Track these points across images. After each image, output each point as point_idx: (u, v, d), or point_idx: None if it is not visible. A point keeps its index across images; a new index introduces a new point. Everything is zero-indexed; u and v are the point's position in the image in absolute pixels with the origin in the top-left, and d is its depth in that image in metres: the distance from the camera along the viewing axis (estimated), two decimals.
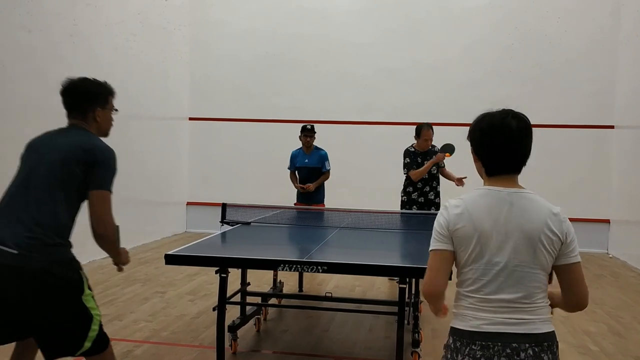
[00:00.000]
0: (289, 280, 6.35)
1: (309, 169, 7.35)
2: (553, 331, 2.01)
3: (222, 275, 3.93)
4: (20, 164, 2.79)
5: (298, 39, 10.27)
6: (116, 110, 2.97)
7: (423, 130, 6.98)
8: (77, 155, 2.65)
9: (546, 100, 9.65)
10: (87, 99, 2.81)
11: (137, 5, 8.74)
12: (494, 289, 1.98)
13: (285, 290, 6.01)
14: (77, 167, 2.64)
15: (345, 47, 10.18)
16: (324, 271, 3.58)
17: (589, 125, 9.61)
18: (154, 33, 9.26)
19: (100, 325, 2.74)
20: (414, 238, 5.02)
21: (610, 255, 9.17)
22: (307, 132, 7.41)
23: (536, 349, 1.93)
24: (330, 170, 7.41)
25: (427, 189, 6.97)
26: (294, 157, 7.54)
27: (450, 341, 2.06)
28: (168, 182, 9.97)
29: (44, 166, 2.66)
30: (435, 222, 2.11)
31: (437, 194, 7.04)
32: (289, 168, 7.56)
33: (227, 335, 4.21)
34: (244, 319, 4.62)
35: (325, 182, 7.45)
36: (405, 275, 3.72)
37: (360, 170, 9.03)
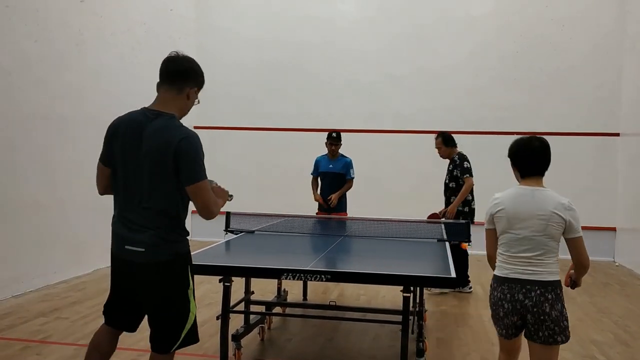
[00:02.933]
0: (293, 289, 6.33)
1: (333, 174, 7.29)
2: (557, 280, 2.97)
3: (226, 284, 3.93)
4: (115, 150, 2.85)
5: (303, 47, 10.30)
6: (199, 101, 3.09)
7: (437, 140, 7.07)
8: (167, 157, 2.73)
9: (551, 107, 9.64)
10: (188, 75, 2.91)
11: (143, 14, 8.79)
12: (516, 251, 3.01)
13: (289, 299, 5.99)
14: (171, 164, 2.75)
15: (350, 54, 10.20)
16: (327, 280, 3.57)
17: (594, 133, 9.58)
18: (159, 42, 9.30)
19: (195, 321, 2.95)
20: (419, 247, 5.00)
21: (617, 264, 9.11)
22: (333, 140, 7.32)
23: (542, 290, 2.93)
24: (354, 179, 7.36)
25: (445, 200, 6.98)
26: (318, 163, 7.45)
27: (492, 283, 3.12)
28: None
29: (148, 165, 2.76)
30: (487, 210, 3.17)
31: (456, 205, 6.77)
32: (312, 174, 7.47)
33: (231, 344, 4.20)
34: (248, 327, 4.60)
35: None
36: (409, 284, 3.71)
37: (366, 177, 9.00)
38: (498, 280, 3.06)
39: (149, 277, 2.83)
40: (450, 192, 6.87)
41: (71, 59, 7.12)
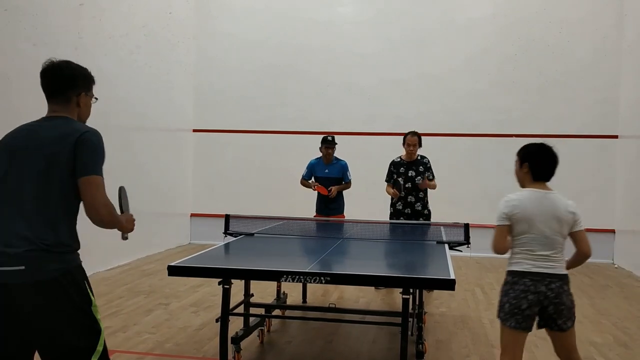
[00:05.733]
0: (292, 291, 6.33)
1: (330, 179, 7.29)
2: (567, 273, 3.27)
3: (226, 286, 3.92)
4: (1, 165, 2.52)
5: (303, 50, 10.32)
6: (96, 98, 2.78)
7: (407, 137, 6.98)
8: (64, 149, 2.43)
9: (550, 110, 9.66)
10: (73, 82, 2.63)
11: (142, 17, 8.80)
12: (538, 249, 3.24)
13: (289, 302, 5.99)
14: (67, 161, 2.43)
15: (350, 58, 10.22)
16: (327, 282, 3.57)
17: (593, 135, 9.60)
18: (158, 45, 9.32)
19: (104, 341, 2.55)
20: (418, 249, 5.01)
21: (616, 266, 9.11)
22: (328, 144, 7.30)
23: (560, 282, 3.21)
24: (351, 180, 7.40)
25: (412, 199, 6.93)
26: (312, 167, 7.43)
27: (509, 278, 3.29)
28: (172, 194, 9.98)
29: (33, 170, 2.44)
30: (499, 208, 3.31)
31: (425, 205, 6.99)
32: (303, 176, 7.47)
33: (231, 347, 4.19)
34: (247, 330, 4.60)
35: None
36: (409, 286, 3.71)
37: (365, 180, 9.02)
38: (518, 275, 3.23)
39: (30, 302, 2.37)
40: (422, 191, 6.98)
41: None
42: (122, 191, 2.79)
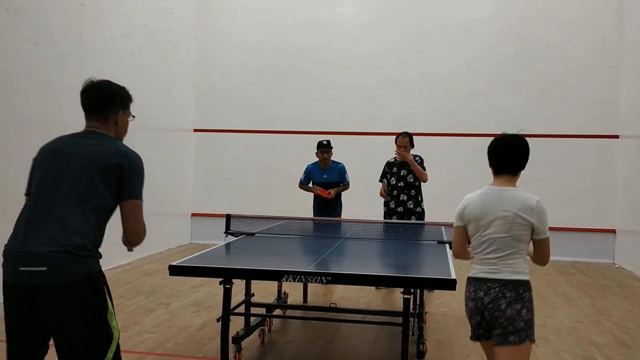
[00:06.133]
0: (293, 291, 6.33)
1: (329, 184, 7.29)
2: (521, 280, 2.87)
3: (227, 286, 3.93)
4: (36, 171, 2.61)
5: (303, 50, 10.33)
6: (133, 116, 2.88)
7: (398, 138, 7.00)
8: (104, 164, 2.52)
9: (550, 110, 9.66)
10: (112, 100, 2.73)
11: (142, 18, 8.81)
12: (485, 252, 2.94)
13: (289, 301, 5.99)
14: (105, 176, 2.52)
15: (350, 58, 10.22)
16: (328, 282, 3.58)
17: (594, 135, 9.60)
18: (159, 45, 9.33)
19: (118, 346, 2.55)
20: (419, 249, 5.01)
21: (617, 266, 9.11)
22: (324, 148, 7.28)
23: (501, 287, 2.85)
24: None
25: (405, 197, 6.94)
26: (309, 172, 7.42)
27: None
28: (173, 193, 9.99)
29: (70, 175, 2.51)
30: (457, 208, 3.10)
31: (418, 203, 6.99)
32: (301, 181, 7.47)
33: (232, 347, 4.20)
34: (248, 330, 4.61)
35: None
36: (409, 285, 3.71)
37: (366, 180, 9.04)
38: (468, 281, 3.03)
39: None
40: (414, 189, 6.96)
41: (71, 62, 7.13)
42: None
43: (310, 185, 7.45)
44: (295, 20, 10.37)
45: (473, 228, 2.98)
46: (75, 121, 7.66)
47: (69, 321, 2.40)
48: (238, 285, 4.34)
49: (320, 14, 10.31)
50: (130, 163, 2.59)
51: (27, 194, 2.63)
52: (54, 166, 2.56)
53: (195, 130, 10.68)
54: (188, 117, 10.53)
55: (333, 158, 7.51)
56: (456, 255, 3.19)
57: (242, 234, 5.26)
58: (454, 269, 3.77)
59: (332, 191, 7.20)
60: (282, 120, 10.37)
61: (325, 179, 7.32)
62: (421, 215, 6.99)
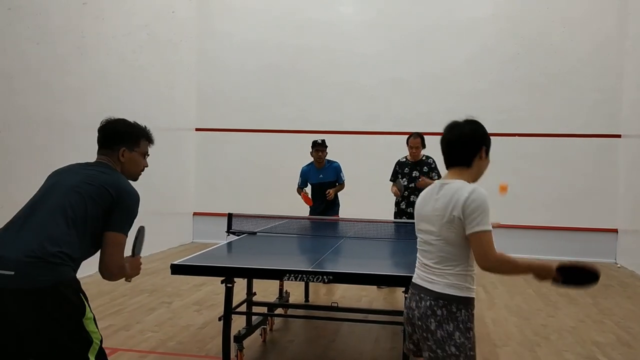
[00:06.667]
0: (295, 290, 6.33)
1: (325, 184, 7.29)
2: (455, 295, 2.38)
3: (228, 285, 3.93)
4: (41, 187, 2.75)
5: (304, 50, 10.33)
6: (147, 154, 3.01)
7: (409, 139, 7.00)
8: (99, 188, 2.60)
9: (552, 109, 9.64)
10: (114, 137, 2.86)
11: (144, 17, 8.81)
12: (420, 256, 2.55)
13: (291, 301, 5.99)
14: (97, 198, 2.58)
15: (351, 57, 10.22)
16: (329, 281, 3.58)
17: (596, 134, 9.58)
18: (160, 45, 9.33)
19: (99, 351, 2.52)
20: None
21: (619, 265, 9.10)
22: (319, 147, 7.29)
23: (432, 302, 2.40)
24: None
25: (415, 198, 6.91)
26: (305, 174, 7.42)
27: None
28: (174, 193, 10.00)
29: (62, 189, 2.61)
30: None
31: None
32: (299, 185, 7.47)
33: (233, 346, 4.20)
34: (250, 329, 4.61)
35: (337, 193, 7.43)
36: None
37: (366, 180, 9.04)
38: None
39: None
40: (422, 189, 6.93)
41: (73, 62, 7.14)
42: (140, 233, 2.88)
43: (308, 186, 7.45)
44: (296, 20, 10.37)
45: (415, 228, 2.61)
46: (76, 120, 7.69)
47: (41, 328, 2.38)
48: (240, 285, 4.34)
49: (321, 13, 10.31)
50: (124, 197, 2.66)
51: None
52: (51, 181, 2.72)
53: (197, 130, 10.68)
54: (189, 116, 10.54)
55: (333, 157, 7.51)
56: None
57: (243, 233, 5.26)
58: None
59: (331, 192, 7.21)
60: (283, 119, 10.38)
61: (322, 178, 7.33)
62: None
